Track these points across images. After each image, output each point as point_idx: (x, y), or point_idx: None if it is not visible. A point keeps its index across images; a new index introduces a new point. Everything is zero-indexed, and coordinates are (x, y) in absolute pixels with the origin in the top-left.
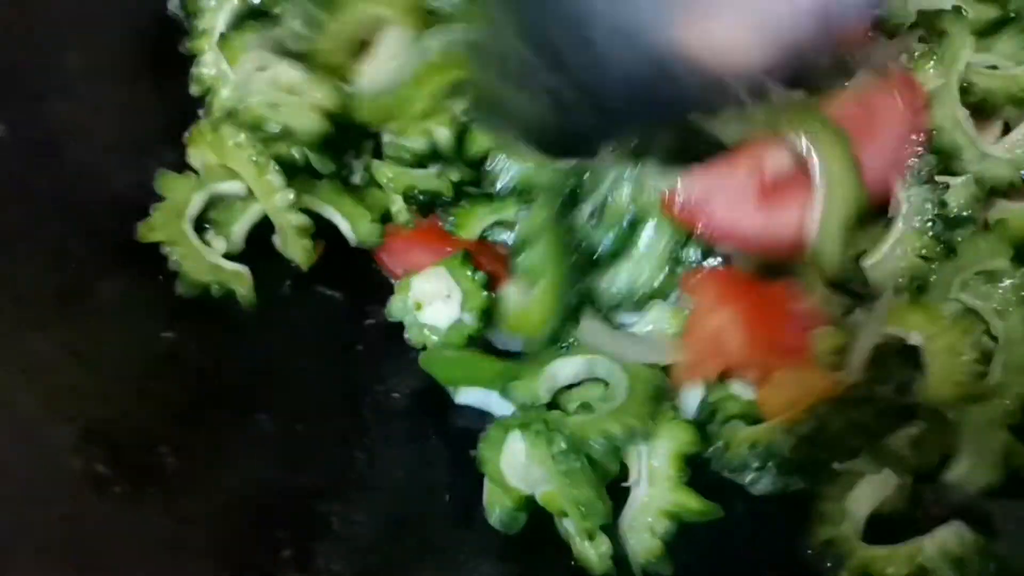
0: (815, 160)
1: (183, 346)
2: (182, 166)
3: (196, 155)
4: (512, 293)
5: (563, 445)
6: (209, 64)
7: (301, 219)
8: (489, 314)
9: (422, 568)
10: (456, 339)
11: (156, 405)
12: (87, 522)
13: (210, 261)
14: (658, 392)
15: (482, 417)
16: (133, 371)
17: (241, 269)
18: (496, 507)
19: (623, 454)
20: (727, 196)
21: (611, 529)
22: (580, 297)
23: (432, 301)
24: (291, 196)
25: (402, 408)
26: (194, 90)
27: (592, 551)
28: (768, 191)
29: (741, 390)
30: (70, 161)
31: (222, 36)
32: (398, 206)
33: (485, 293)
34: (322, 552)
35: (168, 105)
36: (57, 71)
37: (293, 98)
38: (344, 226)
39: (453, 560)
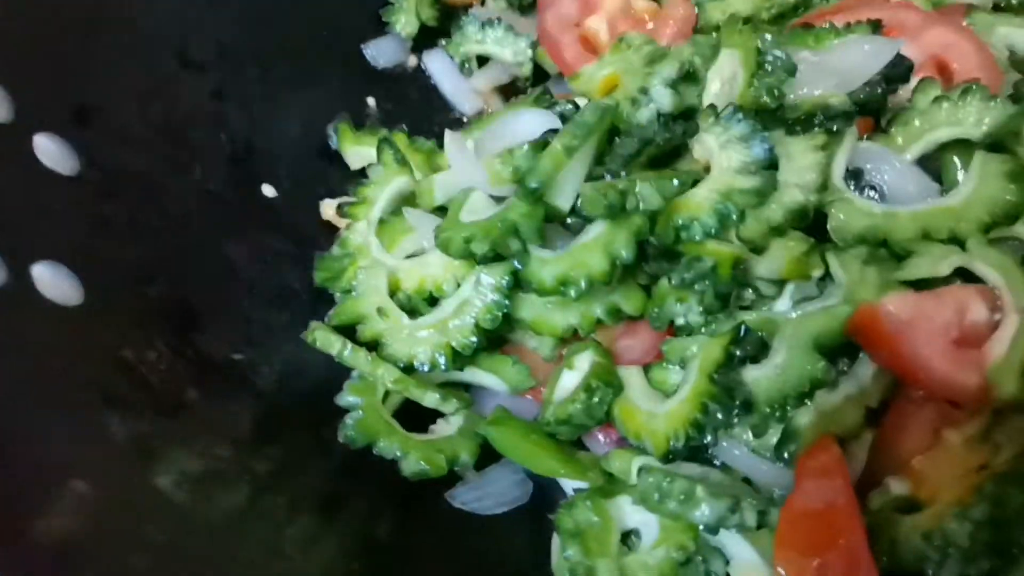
0: (1010, 303)
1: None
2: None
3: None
4: (640, 387)
5: None
6: (359, 232)
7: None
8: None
9: None
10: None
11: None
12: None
13: (425, 440)
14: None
15: None
16: None
17: (451, 433)
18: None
19: None
20: (927, 332)
21: None
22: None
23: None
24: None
25: None
26: (336, 251)
27: None
28: (963, 338)
29: (896, 486)
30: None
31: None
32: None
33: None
34: None
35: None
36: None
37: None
38: (495, 382)
39: None
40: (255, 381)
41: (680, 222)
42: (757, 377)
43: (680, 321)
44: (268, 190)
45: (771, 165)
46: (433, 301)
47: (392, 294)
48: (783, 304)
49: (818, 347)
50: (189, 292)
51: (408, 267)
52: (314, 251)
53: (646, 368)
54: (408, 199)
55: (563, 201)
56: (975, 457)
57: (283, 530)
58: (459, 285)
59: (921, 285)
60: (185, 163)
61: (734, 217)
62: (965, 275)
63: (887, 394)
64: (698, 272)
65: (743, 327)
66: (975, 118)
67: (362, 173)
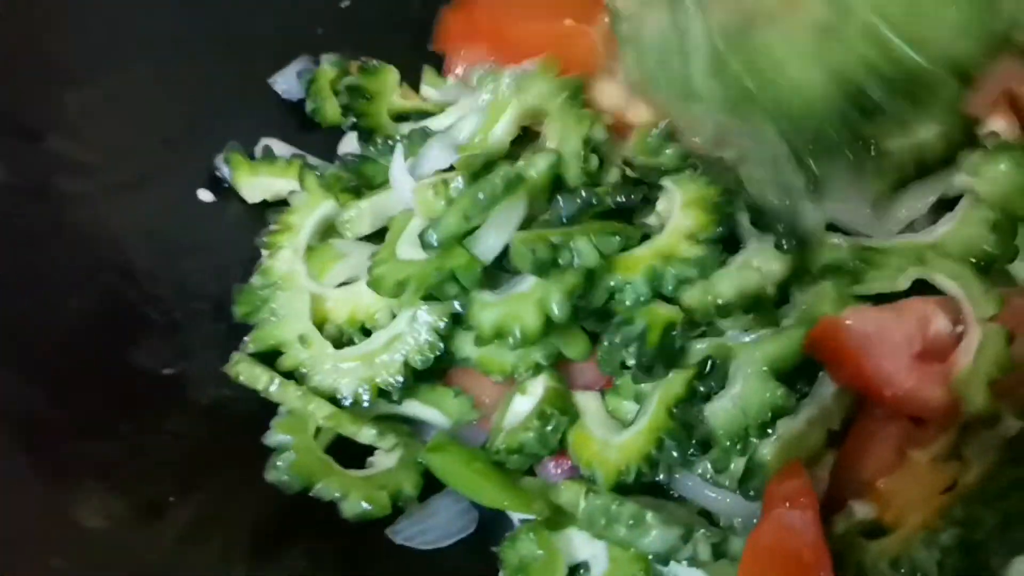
0: (971, 314)
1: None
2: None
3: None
4: (596, 414)
5: None
6: (284, 260)
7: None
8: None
9: None
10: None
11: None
12: None
13: (365, 477)
14: None
15: None
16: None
17: (391, 466)
18: None
19: None
20: (888, 346)
21: None
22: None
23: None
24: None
25: None
26: (257, 281)
27: None
28: (927, 351)
29: (861, 509)
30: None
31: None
32: None
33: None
34: None
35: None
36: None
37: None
38: (436, 416)
39: None
40: (187, 398)
41: (613, 283)
42: (715, 409)
43: (631, 363)
44: (205, 195)
45: (726, 236)
46: (368, 331)
47: (321, 325)
48: (736, 329)
49: (775, 372)
50: (116, 303)
51: (339, 296)
52: (258, 254)
53: (604, 391)
54: (334, 225)
55: (484, 253)
56: (942, 477)
57: None
58: (395, 316)
59: (879, 299)
60: (111, 168)
61: (669, 288)
62: (923, 288)
63: (848, 413)
64: (626, 336)
65: (710, 361)
66: (992, 178)
67: (265, 205)
